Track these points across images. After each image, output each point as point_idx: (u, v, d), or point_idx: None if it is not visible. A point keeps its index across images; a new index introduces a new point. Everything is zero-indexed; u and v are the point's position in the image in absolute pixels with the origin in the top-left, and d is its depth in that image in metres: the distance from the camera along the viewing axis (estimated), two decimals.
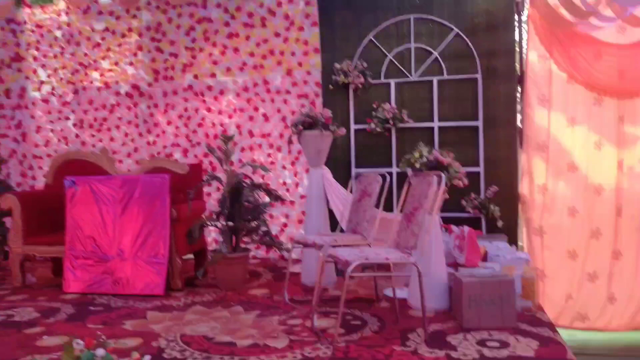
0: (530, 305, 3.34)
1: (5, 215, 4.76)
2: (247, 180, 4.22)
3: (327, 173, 4.38)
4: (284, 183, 5.37)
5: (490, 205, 4.66)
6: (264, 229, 4.15)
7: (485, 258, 3.87)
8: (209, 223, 4.25)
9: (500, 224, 4.67)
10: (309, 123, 4.14)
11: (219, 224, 4.20)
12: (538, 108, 4.73)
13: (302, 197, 5.28)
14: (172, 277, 4.12)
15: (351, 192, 4.16)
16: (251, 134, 5.41)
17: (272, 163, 5.34)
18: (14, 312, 3.69)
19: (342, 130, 4.26)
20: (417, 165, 3.39)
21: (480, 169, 4.84)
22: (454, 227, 3.94)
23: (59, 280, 4.39)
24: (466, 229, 3.82)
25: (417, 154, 3.44)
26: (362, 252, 2.87)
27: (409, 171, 3.46)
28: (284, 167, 5.36)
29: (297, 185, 5.36)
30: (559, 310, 4.43)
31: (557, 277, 4.48)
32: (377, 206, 3.66)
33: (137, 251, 4.10)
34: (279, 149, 5.35)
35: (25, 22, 5.98)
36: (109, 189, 4.22)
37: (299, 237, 3.79)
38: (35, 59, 5.97)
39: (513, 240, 4.62)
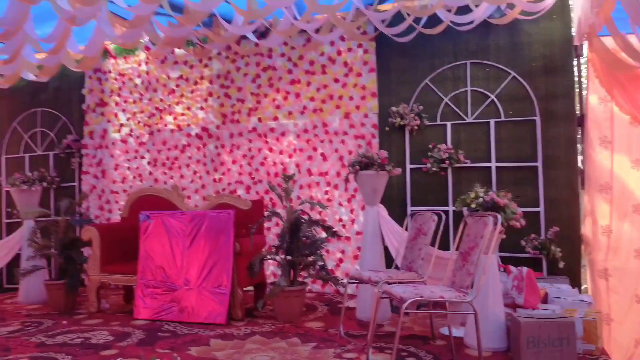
0: (592, 348, 3.23)
1: (83, 245, 5.20)
2: (305, 217, 4.41)
3: (383, 211, 4.50)
4: (340, 219, 5.52)
5: (551, 246, 4.58)
6: (320, 263, 4.29)
7: (545, 300, 3.80)
8: (268, 257, 4.45)
9: (561, 265, 4.57)
10: (365, 163, 4.31)
11: (278, 258, 4.39)
12: (600, 149, 4.67)
13: (357, 233, 5.41)
14: (233, 307, 4.32)
15: (407, 230, 4.24)
16: (310, 172, 5.65)
17: (329, 200, 5.53)
18: (91, 335, 3.99)
19: (398, 170, 4.39)
20: (473, 206, 3.45)
21: (541, 209, 4.79)
22: (512, 268, 3.91)
23: (130, 307, 4.71)
24: (524, 269, 3.79)
25: (473, 195, 3.50)
26: (417, 290, 2.94)
27: (465, 211, 3.52)
28: (340, 204, 5.52)
29: (352, 221, 5.50)
30: (628, 356, 4.23)
31: (624, 321, 4.29)
32: (432, 244, 3.73)
33: (202, 282, 4.35)
34: (336, 187, 5.55)
35: (109, 72, 6.65)
36: (179, 223, 4.55)
37: (355, 273, 3.89)
38: (116, 104, 6.59)
39: (576, 282, 4.50)
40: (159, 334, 3.99)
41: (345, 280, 4.21)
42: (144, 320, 4.42)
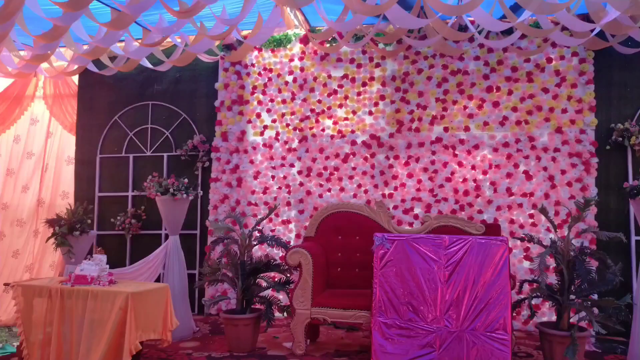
0: None
1: (272, 270, 4.33)
2: (587, 250, 3.78)
3: None
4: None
5: None
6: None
7: None
8: (538, 294, 3.78)
9: None
10: None
11: (557, 298, 3.72)
12: None
13: None
14: None
15: None
16: (509, 192, 5.00)
17: (533, 225, 4.91)
18: None
19: None
20: None
21: None
22: None
23: (320, 347, 3.94)
24: None
25: None
26: None
27: None
28: (548, 230, 4.88)
29: None
30: None
31: None
32: None
33: (470, 324, 3.60)
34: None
35: (252, 65, 5.77)
36: (431, 250, 3.78)
37: None
38: (259, 102, 5.71)
39: None
40: None
41: None
42: None
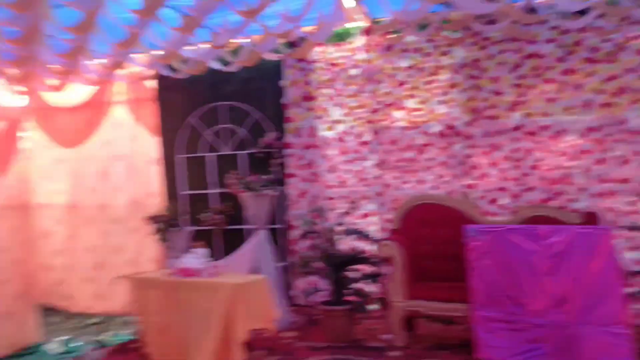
0: None
1: (361, 262, 4.36)
2: None
3: None
4: None
5: None
6: None
7: None
8: None
9: None
10: None
11: None
12: None
13: None
14: None
15: None
16: (602, 178, 4.82)
17: (634, 213, 4.71)
18: None
19: None
20: None
21: None
22: None
23: (419, 340, 3.98)
24: None
25: None
26: None
27: None
28: None
29: None
30: None
31: None
32: None
33: (583, 317, 3.48)
34: None
35: (316, 61, 5.78)
36: (528, 241, 3.70)
37: None
38: (330, 97, 5.72)
39: None
40: None
41: None
42: None
